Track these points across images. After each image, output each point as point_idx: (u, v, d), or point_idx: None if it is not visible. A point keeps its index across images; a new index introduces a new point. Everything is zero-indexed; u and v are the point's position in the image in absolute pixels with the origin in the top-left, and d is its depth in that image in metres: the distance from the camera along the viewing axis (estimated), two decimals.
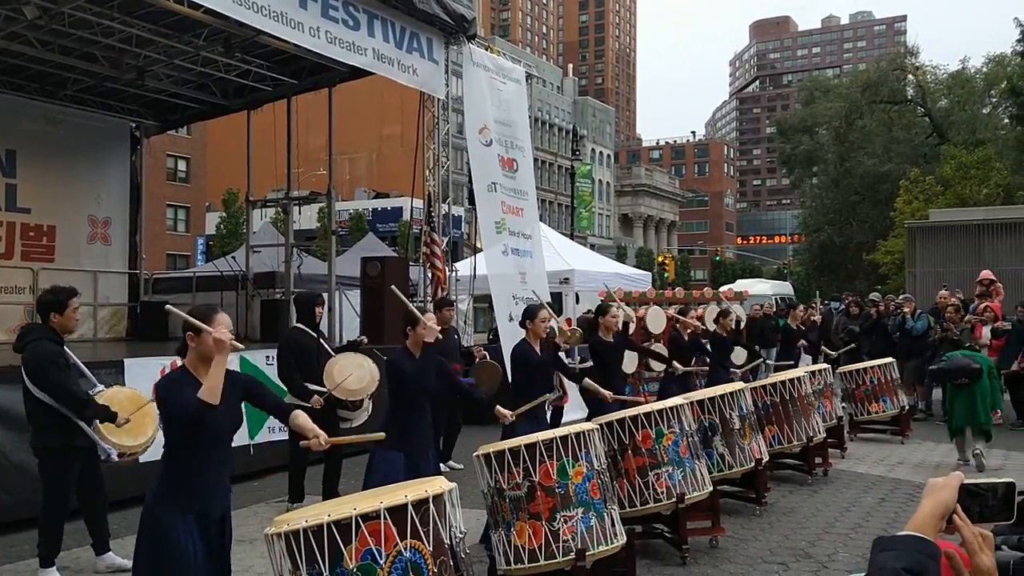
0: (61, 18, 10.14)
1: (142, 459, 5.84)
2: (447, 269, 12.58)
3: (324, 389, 6.95)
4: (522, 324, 6.43)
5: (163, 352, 8.95)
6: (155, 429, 5.59)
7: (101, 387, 5.80)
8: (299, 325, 7.53)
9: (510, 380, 6.51)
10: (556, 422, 9.29)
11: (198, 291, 15.09)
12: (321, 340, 7.52)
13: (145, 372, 7.76)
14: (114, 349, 12.02)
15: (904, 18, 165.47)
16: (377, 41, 10.41)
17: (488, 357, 9.80)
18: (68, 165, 13.88)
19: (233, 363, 8.51)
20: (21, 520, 6.45)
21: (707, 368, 9.87)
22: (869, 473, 8.93)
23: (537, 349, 6.27)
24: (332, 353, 7.39)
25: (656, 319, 12.22)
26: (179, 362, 3.71)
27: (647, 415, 5.77)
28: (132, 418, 5.50)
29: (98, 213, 14.44)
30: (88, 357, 8.22)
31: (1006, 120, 40.46)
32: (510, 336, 10.91)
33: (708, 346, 9.45)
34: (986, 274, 13.90)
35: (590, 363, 7.53)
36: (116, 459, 5.55)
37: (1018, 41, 31.93)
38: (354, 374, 7.03)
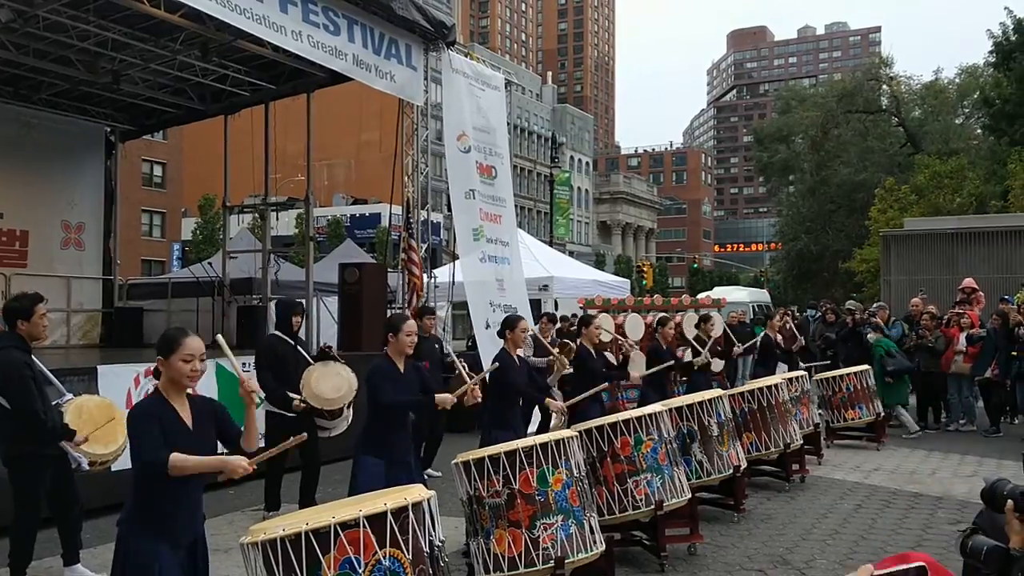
0: (36, 21, 10.02)
1: (114, 467, 5.74)
2: (426, 276, 12.54)
3: (302, 396, 6.90)
4: (500, 335, 6.43)
5: (137, 359, 8.86)
6: (126, 438, 5.51)
7: (69, 396, 5.67)
8: (277, 332, 7.47)
9: (488, 389, 6.50)
10: (544, 428, 9.26)
11: (174, 297, 14.96)
12: (299, 348, 7.46)
13: (119, 379, 7.67)
14: (87, 356, 11.87)
15: (878, 29, 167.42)
16: (357, 46, 10.38)
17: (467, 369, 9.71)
18: (42, 169, 13.70)
19: (209, 370, 8.43)
20: None
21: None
22: (846, 479, 8.97)
23: (516, 359, 6.27)
24: (310, 361, 7.34)
25: (634, 326, 12.24)
26: (153, 369, 3.67)
27: (626, 422, 5.76)
28: (102, 427, 5.41)
29: (72, 218, 14.26)
30: (61, 364, 8.14)
31: (979, 130, 40.98)
32: (487, 343, 10.89)
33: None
34: (968, 282, 14.03)
35: (571, 370, 7.54)
36: (87, 468, 5.45)
37: (990, 52, 32.35)
38: (331, 383, 6.98)
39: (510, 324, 6.34)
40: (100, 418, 5.46)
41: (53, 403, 5.48)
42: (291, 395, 6.94)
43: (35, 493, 5.44)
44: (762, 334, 12.13)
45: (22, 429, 5.30)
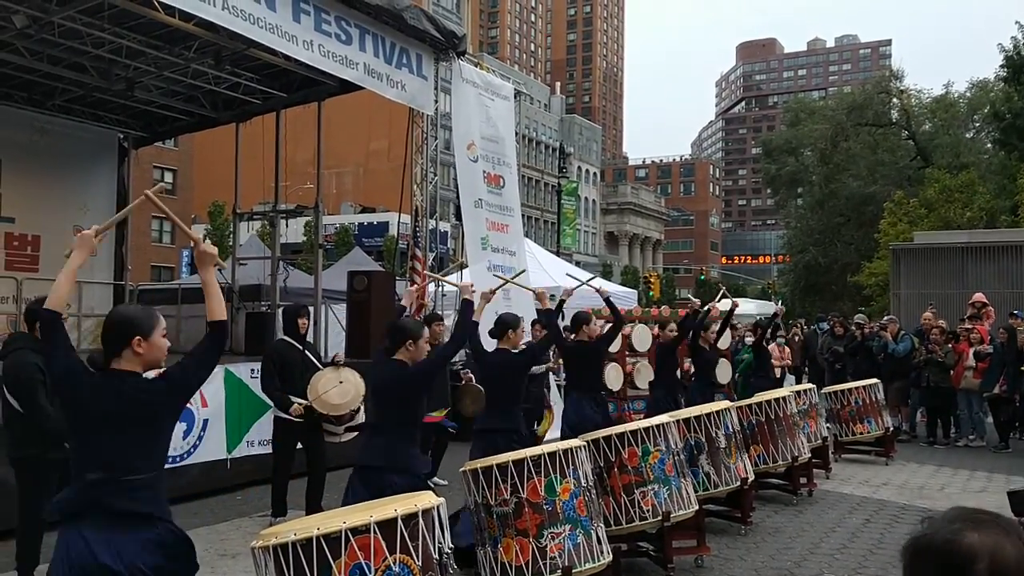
0: (51, 28, 10.10)
1: None
2: (433, 285, 12.55)
3: (307, 401, 6.92)
4: (495, 335, 6.47)
5: None
6: None
7: None
8: (285, 337, 7.51)
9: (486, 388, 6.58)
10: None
11: (183, 303, 15.00)
12: (307, 352, 7.47)
13: None
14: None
15: (889, 42, 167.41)
16: (368, 56, 10.45)
17: (473, 379, 9.73)
18: (55, 175, 13.79)
19: (218, 377, 8.46)
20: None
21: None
22: (854, 494, 8.93)
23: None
24: (319, 366, 7.35)
25: (641, 337, 12.25)
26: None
27: (633, 433, 5.76)
28: None
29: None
30: None
31: (989, 145, 40.87)
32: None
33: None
34: (979, 297, 13.99)
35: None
36: None
37: (1001, 67, 32.29)
38: (337, 388, 6.99)
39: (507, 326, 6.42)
40: None
41: None
42: (293, 399, 6.96)
43: (41, 495, 5.46)
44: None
45: (29, 432, 5.33)
